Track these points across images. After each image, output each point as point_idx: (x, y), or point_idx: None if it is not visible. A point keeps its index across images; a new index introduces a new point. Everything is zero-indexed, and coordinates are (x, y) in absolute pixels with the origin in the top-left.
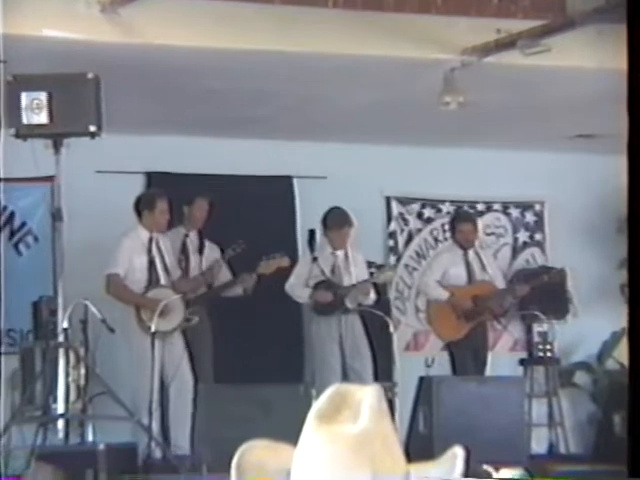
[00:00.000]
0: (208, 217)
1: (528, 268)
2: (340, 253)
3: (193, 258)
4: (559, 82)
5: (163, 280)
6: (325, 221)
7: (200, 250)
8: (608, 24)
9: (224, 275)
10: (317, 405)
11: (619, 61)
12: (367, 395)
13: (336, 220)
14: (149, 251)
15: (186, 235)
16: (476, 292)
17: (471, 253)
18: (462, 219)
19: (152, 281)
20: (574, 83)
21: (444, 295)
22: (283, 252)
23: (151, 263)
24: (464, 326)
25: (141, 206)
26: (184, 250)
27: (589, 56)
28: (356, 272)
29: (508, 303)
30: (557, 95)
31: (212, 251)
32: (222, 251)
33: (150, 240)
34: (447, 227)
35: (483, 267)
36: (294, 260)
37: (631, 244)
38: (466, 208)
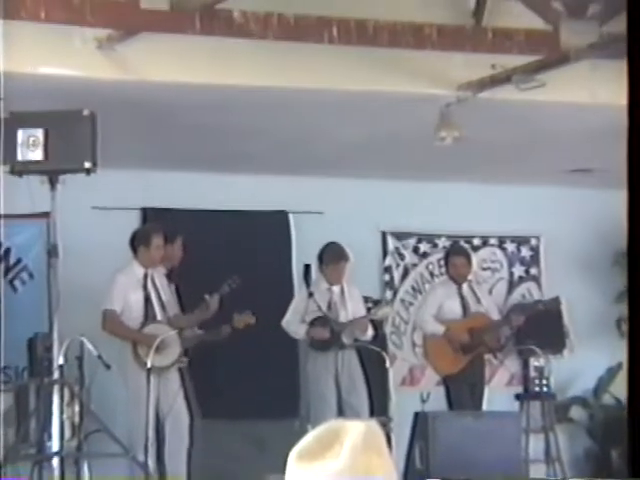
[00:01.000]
0: (184, 255)
1: (524, 302)
2: (336, 288)
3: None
4: (554, 117)
5: (159, 316)
6: (321, 256)
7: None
8: (602, 59)
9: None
10: (300, 442)
11: (613, 96)
12: (352, 432)
13: (332, 255)
14: (144, 287)
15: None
16: (471, 324)
17: (465, 287)
18: (455, 253)
19: (148, 317)
20: (569, 118)
21: (440, 330)
22: (250, 311)
23: (147, 299)
24: (461, 359)
25: (136, 242)
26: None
27: (583, 91)
28: (352, 307)
29: (504, 335)
30: (552, 130)
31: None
32: (177, 289)
33: (145, 276)
34: (445, 262)
35: (478, 300)
36: (290, 296)
37: (631, 277)
38: (462, 243)
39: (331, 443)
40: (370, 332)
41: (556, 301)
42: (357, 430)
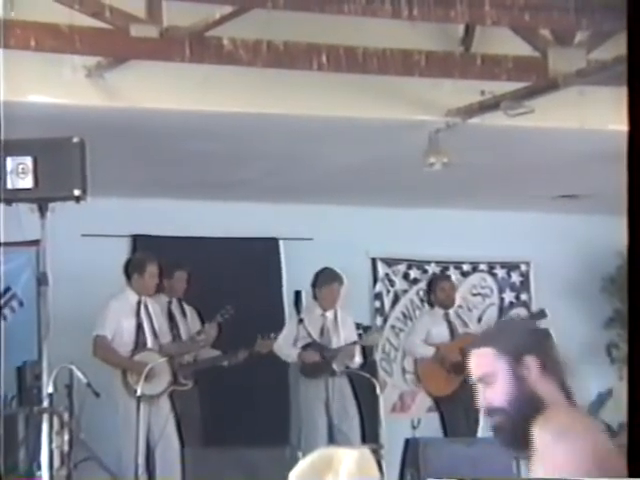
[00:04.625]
0: (188, 286)
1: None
2: (330, 314)
3: (181, 323)
4: (542, 143)
5: (150, 343)
6: (315, 281)
7: (184, 315)
8: (590, 86)
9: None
10: (298, 467)
11: (601, 122)
12: (347, 460)
13: (326, 277)
14: (137, 314)
15: (169, 302)
16: (461, 344)
17: (452, 312)
18: (441, 278)
19: (139, 344)
20: (557, 144)
21: (430, 351)
22: (277, 333)
23: (139, 326)
24: (454, 380)
25: (131, 269)
26: (171, 316)
27: (572, 117)
28: (345, 334)
29: None
30: (540, 156)
31: (193, 317)
32: (200, 315)
33: (139, 303)
34: (429, 290)
35: (465, 324)
36: (281, 322)
37: (631, 301)
38: (452, 269)
39: (324, 470)
40: (358, 359)
41: (542, 313)
42: (352, 458)
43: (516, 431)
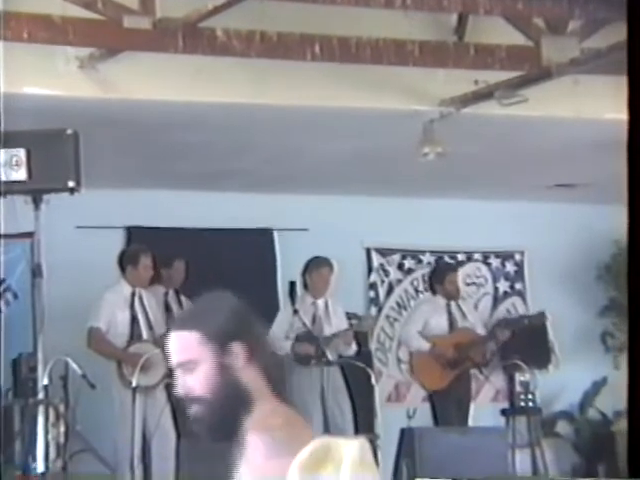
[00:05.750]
0: (186, 277)
1: (509, 318)
2: (321, 303)
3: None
4: (536, 132)
5: (145, 335)
6: (306, 267)
7: (180, 306)
8: (584, 74)
9: None
10: (300, 457)
11: (596, 111)
12: (350, 449)
13: (316, 263)
14: (132, 306)
15: (166, 293)
16: (457, 339)
17: (453, 303)
18: (450, 269)
19: (134, 336)
20: (551, 133)
21: (425, 346)
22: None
23: (133, 318)
24: (448, 375)
25: (125, 261)
26: (167, 307)
27: (565, 106)
28: (336, 323)
29: (490, 350)
30: (535, 145)
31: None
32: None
33: (133, 295)
34: (435, 279)
35: (464, 315)
36: (276, 313)
37: (631, 290)
38: (446, 258)
39: (324, 460)
40: (354, 346)
41: (541, 316)
42: (353, 447)
43: (216, 422)
